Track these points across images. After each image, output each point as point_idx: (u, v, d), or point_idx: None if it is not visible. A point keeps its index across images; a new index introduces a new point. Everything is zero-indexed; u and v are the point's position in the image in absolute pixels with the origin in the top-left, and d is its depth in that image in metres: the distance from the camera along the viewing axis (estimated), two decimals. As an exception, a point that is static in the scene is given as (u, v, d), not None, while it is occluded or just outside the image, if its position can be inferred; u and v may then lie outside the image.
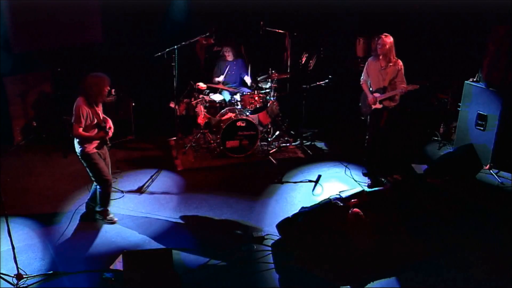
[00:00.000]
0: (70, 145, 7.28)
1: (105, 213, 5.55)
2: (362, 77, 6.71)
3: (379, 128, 6.61)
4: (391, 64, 6.30)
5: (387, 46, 6.19)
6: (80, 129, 5.08)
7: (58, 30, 7.71)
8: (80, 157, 5.30)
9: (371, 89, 6.55)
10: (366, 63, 6.66)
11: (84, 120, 5.07)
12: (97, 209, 5.56)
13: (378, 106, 6.47)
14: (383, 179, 6.44)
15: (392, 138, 7.01)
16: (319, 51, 8.69)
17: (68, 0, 7.54)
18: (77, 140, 5.23)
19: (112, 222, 5.53)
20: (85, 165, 5.33)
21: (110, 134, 5.32)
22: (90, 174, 5.38)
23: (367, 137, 6.83)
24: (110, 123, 5.36)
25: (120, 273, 4.55)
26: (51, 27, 7.61)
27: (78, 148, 5.26)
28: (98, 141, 5.26)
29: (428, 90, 7.83)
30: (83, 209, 5.78)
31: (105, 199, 5.49)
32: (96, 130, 5.22)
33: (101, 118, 5.24)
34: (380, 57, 6.31)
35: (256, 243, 5.18)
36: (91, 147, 5.24)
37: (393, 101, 6.44)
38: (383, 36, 6.21)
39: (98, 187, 5.43)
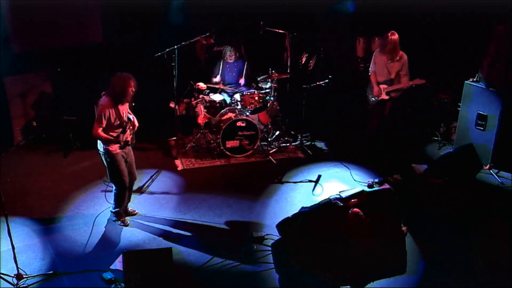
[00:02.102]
0: (70, 145, 7.42)
1: (119, 214, 5.52)
2: (370, 68, 7.28)
3: (383, 116, 7.23)
4: (397, 58, 6.90)
5: (392, 45, 6.80)
6: (100, 129, 5.03)
7: (58, 30, 7.69)
8: (102, 155, 5.26)
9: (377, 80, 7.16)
10: (374, 54, 7.23)
11: (106, 120, 5.03)
12: (112, 210, 5.53)
13: (385, 97, 7.08)
14: (382, 179, 6.44)
15: (395, 130, 7.49)
16: (319, 51, 8.68)
17: (68, 0, 7.54)
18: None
19: (125, 224, 5.50)
20: (105, 163, 5.29)
21: (134, 130, 5.32)
22: (108, 174, 5.36)
23: (370, 124, 7.43)
24: (135, 121, 5.35)
25: (120, 273, 4.55)
26: (51, 27, 7.59)
27: (101, 146, 5.22)
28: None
29: (428, 90, 7.83)
30: (84, 209, 5.80)
31: (120, 201, 5.45)
32: (119, 130, 5.18)
33: (125, 118, 5.19)
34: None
35: (256, 243, 5.18)
36: (116, 147, 5.21)
37: (398, 92, 7.11)
38: (390, 35, 6.80)
39: (113, 188, 5.41)
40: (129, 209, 5.71)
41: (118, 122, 5.13)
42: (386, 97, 7.07)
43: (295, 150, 7.66)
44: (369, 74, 7.28)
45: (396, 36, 6.78)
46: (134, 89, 5.13)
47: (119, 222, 5.50)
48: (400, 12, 8.00)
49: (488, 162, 6.82)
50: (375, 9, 8.32)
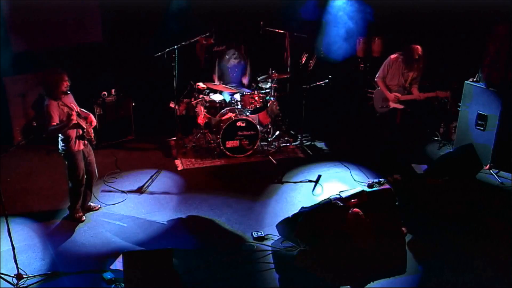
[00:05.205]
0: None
1: (74, 210, 5.56)
2: (378, 74, 6.91)
3: (395, 124, 6.94)
4: (416, 68, 6.66)
5: (419, 57, 6.55)
6: (54, 124, 5.11)
7: (58, 30, 7.70)
8: (62, 154, 5.35)
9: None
10: (389, 62, 6.82)
11: (57, 117, 5.09)
12: (67, 207, 5.60)
13: (400, 106, 6.79)
14: (382, 180, 6.44)
15: (409, 135, 7.28)
16: (319, 51, 8.68)
17: (68, 0, 7.54)
18: (60, 138, 5.26)
19: (80, 220, 5.54)
20: (66, 163, 5.38)
21: (92, 126, 5.35)
22: (66, 172, 5.42)
23: (385, 135, 7.15)
24: (91, 117, 5.41)
25: (120, 273, 4.55)
26: (51, 27, 7.60)
27: (61, 146, 5.29)
28: (76, 133, 5.24)
29: (428, 90, 7.82)
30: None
31: (75, 198, 5.51)
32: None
33: (75, 110, 5.22)
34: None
35: (256, 243, 5.18)
36: (75, 144, 5.26)
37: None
38: (417, 48, 6.54)
39: (69, 184, 5.46)
40: (91, 205, 5.78)
41: (69, 113, 5.17)
42: (401, 106, 6.77)
43: (295, 150, 7.66)
44: (375, 80, 6.94)
45: (421, 50, 6.56)
46: (67, 79, 5.16)
47: (75, 218, 5.53)
48: (400, 12, 8.00)
49: (488, 162, 6.82)
50: (374, 10, 8.32)
